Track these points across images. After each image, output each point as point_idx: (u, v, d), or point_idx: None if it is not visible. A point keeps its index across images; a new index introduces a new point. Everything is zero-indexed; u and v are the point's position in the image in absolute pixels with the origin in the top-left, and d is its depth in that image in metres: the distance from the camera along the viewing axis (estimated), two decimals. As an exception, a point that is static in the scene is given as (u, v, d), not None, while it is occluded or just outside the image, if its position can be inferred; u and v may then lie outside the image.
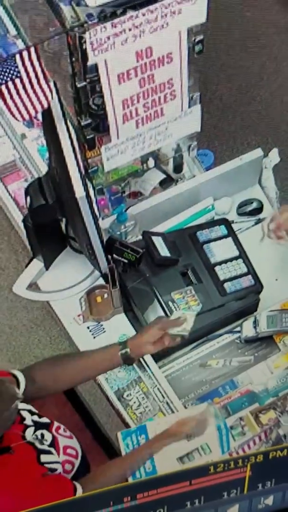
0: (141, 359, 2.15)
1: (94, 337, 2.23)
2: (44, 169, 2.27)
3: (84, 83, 1.78)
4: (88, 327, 2.25)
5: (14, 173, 2.55)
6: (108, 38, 1.70)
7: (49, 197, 2.04)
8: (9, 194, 2.54)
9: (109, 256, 2.17)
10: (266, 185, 2.43)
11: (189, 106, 2.10)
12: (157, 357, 2.17)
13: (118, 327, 2.23)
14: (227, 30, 2.80)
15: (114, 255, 2.16)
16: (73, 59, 1.72)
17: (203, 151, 2.48)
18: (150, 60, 1.87)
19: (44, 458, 1.73)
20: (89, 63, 1.73)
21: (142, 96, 1.94)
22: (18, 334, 2.82)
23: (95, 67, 1.77)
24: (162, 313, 2.13)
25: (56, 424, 1.84)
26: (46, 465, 1.72)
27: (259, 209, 2.41)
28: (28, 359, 2.78)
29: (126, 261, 2.17)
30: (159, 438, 1.90)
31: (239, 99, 2.83)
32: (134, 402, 2.15)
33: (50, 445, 1.77)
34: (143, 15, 1.73)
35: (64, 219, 2.16)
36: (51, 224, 2.16)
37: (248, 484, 1.64)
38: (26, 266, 2.28)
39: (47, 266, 2.26)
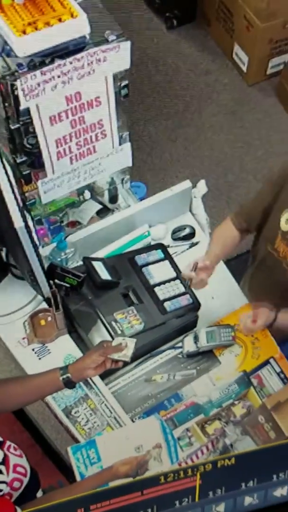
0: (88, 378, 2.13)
1: (40, 359, 2.19)
2: None
3: (18, 125, 1.80)
4: (33, 349, 2.20)
5: None
6: (39, 84, 1.74)
7: None
8: None
9: (51, 281, 2.13)
10: (196, 212, 2.48)
11: (120, 144, 2.13)
12: (103, 375, 2.08)
13: (63, 348, 2.20)
14: (151, 75, 2.87)
15: (56, 280, 2.13)
16: (6, 104, 1.73)
17: (136, 183, 2.50)
18: (79, 104, 1.91)
19: None
20: (22, 107, 1.75)
21: (74, 135, 1.98)
22: None
23: (28, 111, 1.78)
24: (106, 333, 2.11)
25: (8, 443, 1.79)
26: None
27: (192, 234, 2.44)
28: None
29: (68, 285, 2.15)
30: (103, 476, 1.86)
31: (166, 137, 2.88)
32: (82, 419, 2.11)
33: (1, 463, 1.74)
34: (70, 63, 1.77)
35: (4, 248, 2.15)
36: None
37: (199, 492, 1.62)
38: None
39: None
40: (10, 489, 1.73)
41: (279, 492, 1.65)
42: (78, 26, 1.76)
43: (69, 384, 1.78)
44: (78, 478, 1.96)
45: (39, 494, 1.86)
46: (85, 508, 1.50)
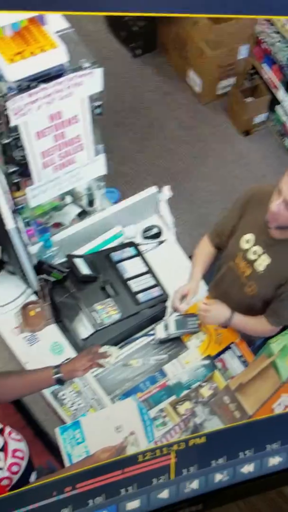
0: None
1: (30, 346, 2.19)
2: None
3: (8, 140, 1.82)
4: (24, 337, 2.20)
5: None
6: (26, 105, 1.76)
7: None
8: None
9: (40, 276, 2.13)
10: (162, 214, 2.50)
11: (95, 155, 2.15)
12: None
13: (51, 336, 2.20)
14: (120, 96, 2.90)
15: (44, 275, 2.13)
16: None
17: (110, 189, 2.51)
18: (61, 121, 1.93)
19: None
20: (11, 124, 1.78)
21: (57, 148, 2.00)
22: None
23: (17, 127, 1.81)
24: (87, 322, 2.09)
25: (8, 429, 1.76)
26: None
27: (159, 233, 2.46)
28: None
29: (54, 279, 2.14)
30: (85, 463, 1.76)
31: (134, 149, 2.91)
32: (68, 401, 2.10)
33: (0, 449, 1.70)
34: (53, 86, 1.80)
35: None
36: None
37: (174, 470, 1.58)
38: None
39: None
40: (10, 473, 1.70)
41: (246, 468, 1.63)
42: (58, 55, 1.78)
43: (60, 381, 1.78)
44: (65, 457, 1.94)
45: (33, 476, 1.80)
46: (72, 486, 1.48)
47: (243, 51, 3.46)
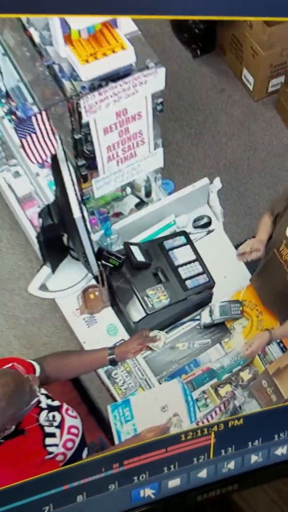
0: None
1: (88, 327, 2.19)
2: (51, 198, 2.25)
3: (80, 135, 1.80)
4: (84, 319, 2.20)
5: (30, 202, 2.51)
6: (96, 103, 1.74)
7: (55, 218, 2.04)
8: (27, 217, 2.50)
9: (99, 262, 2.13)
10: (212, 204, 2.45)
11: (155, 149, 2.11)
12: None
13: (107, 318, 2.20)
14: (180, 93, 2.87)
15: (103, 261, 2.13)
16: (72, 119, 1.74)
17: (166, 181, 2.48)
18: (126, 118, 1.90)
19: (48, 441, 1.65)
20: (83, 121, 1.76)
21: (121, 143, 1.97)
22: (31, 325, 2.77)
23: (87, 124, 1.79)
24: (140, 306, 2.07)
25: (65, 406, 1.75)
26: (48, 448, 1.65)
27: (209, 223, 2.42)
28: (38, 344, 2.73)
29: (111, 265, 2.13)
30: (132, 442, 1.76)
31: (189, 143, 2.88)
32: (120, 380, 2.10)
33: (57, 426, 1.68)
34: (120, 85, 1.77)
35: (65, 235, 2.15)
36: (56, 238, 2.15)
37: (213, 450, 1.55)
38: (38, 271, 2.25)
39: (53, 271, 2.23)
40: (64, 449, 1.68)
41: (280, 451, 1.60)
42: (127, 56, 1.75)
43: (113, 362, 1.78)
44: (114, 434, 1.93)
45: (84, 453, 1.78)
46: (120, 463, 1.48)
47: None
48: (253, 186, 3.00)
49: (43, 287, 2.24)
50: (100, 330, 2.13)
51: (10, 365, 1.61)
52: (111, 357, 1.77)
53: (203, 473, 1.56)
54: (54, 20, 1.58)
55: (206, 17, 1.37)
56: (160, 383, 2.07)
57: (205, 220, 2.42)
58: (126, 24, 1.75)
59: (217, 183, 2.39)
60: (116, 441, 1.91)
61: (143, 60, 1.81)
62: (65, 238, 2.18)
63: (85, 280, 2.23)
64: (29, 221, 2.49)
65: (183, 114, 2.91)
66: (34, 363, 1.73)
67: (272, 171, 3.09)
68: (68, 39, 1.65)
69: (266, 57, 3.25)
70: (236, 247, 2.35)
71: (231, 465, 1.58)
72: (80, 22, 1.59)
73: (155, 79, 1.85)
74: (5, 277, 2.73)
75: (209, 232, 2.39)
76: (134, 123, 1.95)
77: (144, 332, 1.85)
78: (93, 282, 2.22)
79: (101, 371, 2.10)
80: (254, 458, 1.58)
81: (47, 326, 2.75)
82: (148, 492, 1.50)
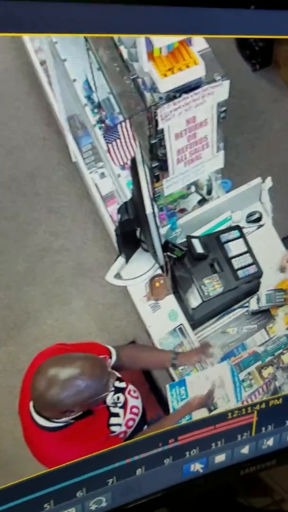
0: (182, 328, 2.13)
1: (153, 312, 2.19)
2: (129, 196, 2.29)
3: (155, 140, 1.83)
4: (149, 305, 2.20)
5: (112, 199, 2.56)
6: (171, 111, 1.76)
7: (131, 214, 2.07)
8: (108, 213, 2.55)
9: (165, 253, 2.15)
10: (264, 201, 2.44)
11: (217, 152, 2.12)
12: (193, 326, 2.13)
13: (169, 304, 2.19)
14: (240, 103, 2.89)
15: (168, 253, 2.14)
16: (150, 126, 1.77)
17: (225, 180, 2.47)
18: (194, 124, 1.91)
19: (112, 420, 1.64)
20: (159, 127, 1.78)
21: (189, 146, 1.98)
22: (106, 309, 2.78)
23: (162, 130, 1.81)
24: (197, 293, 2.07)
25: (129, 387, 1.73)
26: (111, 427, 1.63)
27: (260, 218, 2.41)
28: (111, 327, 2.73)
29: (175, 256, 2.15)
30: (184, 410, 1.82)
31: (247, 146, 2.86)
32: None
33: (121, 407, 1.67)
34: (191, 96, 1.79)
35: (138, 228, 2.18)
36: (130, 232, 2.17)
37: (255, 427, 1.55)
38: (114, 261, 2.27)
39: (127, 261, 2.25)
40: (126, 428, 1.68)
41: None
42: (199, 70, 1.76)
43: (174, 366, 1.83)
44: (171, 411, 1.91)
45: (145, 428, 1.78)
46: (175, 439, 1.49)
47: None
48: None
49: (118, 276, 2.27)
50: (162, 315, 2.14)
51: (103, 356, 1.60)
52: (174, 361, 1.82)
53: (245, 449, 1.57)
54: (141, 39, 1.61)
55: (264, 36, 1.45)
56: (212, 365, 2.05)
57: (256, 216, 2.41)
58: (199, 42, 1.76)
59: (269, 182, 2.37)
60: None
61: (212, 73, 1.82)
62: (138, 232, 2.20)
63: (153, 269, 2.24)
64: (110, 217, 2.55)
65: (242, 121, 2.91)
66: (113, 350, 1.74)
67: None
68: (150, 55, 1.67)
69: (315, 72, 3.23)
70: (283, 239, 2.35)
71: (270, 442, 1.58)
72: (162, 41, 1.62)
73: (221, 90, 1.86)
74: (88, 267, 2.79)
75: (260, 226, 2.39)
76: (201, 129, 1.96)
77: (204, 346, 1.88)
78: (159, 271, 2.23)
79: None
80: None
81: (119, 311, 2.77)
82: (197, 467, 1.52)
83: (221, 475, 1.56)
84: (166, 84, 1.71)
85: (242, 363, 2.07)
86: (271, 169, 2.93)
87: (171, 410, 1.91)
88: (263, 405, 1.54)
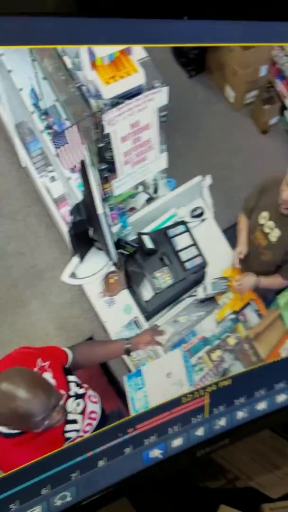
0: (137, 320, 2.10)
1: (109, 307, 2.17)
2: (80, 197, 2.22)
3: (102, 144, 1.82)
4: (105, 301, 2.19)
5: (63, 202, 2.45)
6: (115, 117, 1.77)
7: (83, 214, 2.05)
8: (61, 215, 2.44)
9: (118, 250, 2.15)
10: (205, 197, 2.50)
11: (160, 153, 2.15)
12: (147, 318, 2.12)
13: (123, 299, 2.18)
14: (178, 107, 2.90)
15: (121, 250, 2.14)
16: (97, 130, 1.76)
17: (169, 179, 2.50)
18: (138, 128, 1.92)
19: (68, 427, 1.54)
20: (105, 132, 1.78)
21: (134, 149, 1.99)
22: (63, 308, 2.65)
23: (108, 134, 1.81)
24: (149, 287, 2.07)
25: (89, 392, 1.66)
26: (66, 434, 1.52)
27: (202, 213, 2.45)
28: (69, 326, 2.61)
29: (127, 253, 2.15)
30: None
31: (187, 147, 2.90)
32: (134, 353, 1.97)
33: (80, 412, 1.58)
34: (134, 102, 1.80)
35: (91, 228, 2.16)
36: (83, 232, 2.15)
37: (208, 409, 1.53)
38: (69, 261, 2.24)
39: (81, 260, 2.22)
40: (83, 433, 1.59)
41: (261, 406, 1.59)
42: (139, 77, 1.77)
43: (127, 351, 1.77)
44: (129, 401, 1.86)
45: None
46: (133, 428, 1.46)
47: (263, 70, 3.45)
48: (235, 182, 3.02)
49: (73, 275, 2.24)
50: (118, 310, 2.14)
51: (43, 365, 1.50)
52: (127, 346, 1.76)
53: (200, 431, 1.55)
54: (83, 49, 1.60)
55: (197, 44, 1.51)
56: (165, 353, 2.06)
57: (199, 211, 2.45)
58: (138, 51, 1.76)
59: (208, 179, 2.44)
60: (131, 408, 1.86)
61: (151, 80, 1.84)
62: (91, 231, 2.19)
63: (107, 267, 2.23)
64: (62, 219, 2.46)
65: (182, 124, 2.94)
66: (68, 351, 1.67)
67: (250, 170, 3.11)
68: (93, 64, 1.67)
69: (243, 75, 3.32)
70: (224, 231, 2.41)
71: (223, 422, 1.57)
72: (103, 51, 1.62)
73: (160, 96, 1.88)
74: (43, 268, 2.68)
75: (203, 220, 2.43)
76: (144, 133, 1.98)
77: (154, 327, 1.86)
78: (113, 268, 2.22)
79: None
80: (240, 414, 1.56)
81: (76, 309, 2.67)
82: (156, 453, 1.49)
83: (180, 459, 1.53)
84: (109, 91, 1.71)
85: (193, 348, 2.09)
86: (210, 168, 2.93)
87: (129, 401, 1.88)
88: (214, 387, 1.53)
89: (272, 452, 1.86)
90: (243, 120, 3.56)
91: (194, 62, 3.21)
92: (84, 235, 2.18)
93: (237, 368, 2.01)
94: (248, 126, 3.51)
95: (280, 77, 3.49)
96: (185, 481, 1.69)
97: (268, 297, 2.25)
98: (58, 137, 1.73)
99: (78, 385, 1.62)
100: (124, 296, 2.20)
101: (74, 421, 1.56)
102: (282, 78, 3.48)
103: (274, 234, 2.02)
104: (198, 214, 2.44)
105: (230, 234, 2.43)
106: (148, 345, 1.81)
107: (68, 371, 1.58)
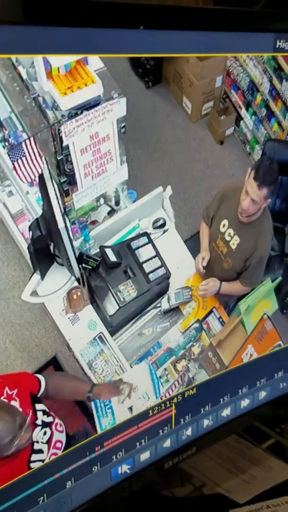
0: (102, 336, 2.06)
1: (73, 325, 2.10)
2: (40, 212, 2.17)
3: (61, 156, 1.78)
4: (68, 318, 2.12)
5: (22, 217, 2.35)
6: (74, 128, 1.73)
7: (43, 230, 1.98)
8: (19, 231, 2.34)
9: (80, 265, 2.09)
10: (166, 208, 2.48)
11: (121, 165, 2.13)
12: (112, 332, 2.08)
13: (87, 315, 2.11)
14: (137, 118, 2.90)
15: (83, 264, 2.08)
16: (55, 142, 1.72)
17: (130, 191, 2.46)
18: (97, 140, 1.89)
19: (33, 457, 1.50)
20: (64, 144, 1.74)
21: (94, 161, 1.96)
22: (24, 329, 2.53)
23: (67, 146, 1.77)
24: (114, 301, 2.03)
25: (56, 421, 1.61)
26: (31, 464, 1.47)
27: (164, 224, 2.43)
28: (31, 346, 2.50)
29: (90, 267, 2.10)
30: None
31: (146, 158, 2.89)
32: (99, 369, 2.01)
33: (46, 442, 1.54)
34: (92, 113, 1.77)
35: (52, 243, 2.09)
36: (44, 248, 2.09)
37: (174, 420, 1.52)
38: (29, 279, 2.16)
39: (42, 277, 2.15)
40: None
41: (225, 412, 1.60)
42: (97, 88, 1.74)
43: (88, 399, 1.74)
44: (96, 419, 1.81)
45: None
46: (100, 445, 1.43)
47: (218, 81, 3.52)
48: (195, 192, 3.04)
49: (34, 293, 2.16)
50: (82, 326, 2.07)
51: (10, 393, 1.46)
52: (89, 394, 1.74)
53: (167, 443, 1.53)
54: (38, 59, 1.55)
55: (152, 55, 1.50)
56: (131, 367, 2.03)
57: (161, 222, 2.44)
58: (95, 61, 1.72)
59: (169, 190, 2.44)
60: (98, 427, 1.81)
61: (109, 91, 1.81)
62: (51, 247, 2.12)
63: (69, 282, 2.16)
64: (21, 234, 2.37)
65: (141, 135, 2.93)
66: (41, 378, 1.63)
67: (208, 179, 3.15)
68: (49, 75, 1.61)
69: (199, 86, 3.34)
70: (185, 241, 2.40)
71: (189, 431, 1.56)
72: (59, 61, 1.56)
73: (119, 107, 1.86)
74: (2, 287, 2.57)
75: (165, 231, 2.42)
76: (104, 144, 1.95)
77: (117, 383, 1.82)
78: (76, 284, 2.15)
79: (83, 363, 2.03)
80: (206, 422, 1.56)
81: (38, 328, 2.56)
82: (124, 468, 1.46)
83: (148, 472, 1.51)
84: (66, 102, 1.67)
85: (159, 360, 2.06)
86: (170, 178, 2.96)
87: (95, 419, 1.82)
88: (180, 397, 1.53)
89: (236, 455, 1.87)
90: (200, 130, 3.61)
91: (151, 73, 3.20)
92: (44, 251, 2.10)
93: (202, 376, 1.99)
94: (206, 137, 3.58)
95: (234, 87, 3.57)
96: (156, 492, 1.68)
97: (230, 304, 2.26)
98: (15, 150, 1.66)
99: (45, 413, 1.58)
100: (88, 312, 2.13)
101: (40, 451, 1.51)
102: (237, 89, 3.58)
103: (234, 242, 2.05)
104: (160, 225, 2.43)
105: (192, 244, 2.42)
106: (106, 398, 1.78)
107: (37, 399, 1.53)
